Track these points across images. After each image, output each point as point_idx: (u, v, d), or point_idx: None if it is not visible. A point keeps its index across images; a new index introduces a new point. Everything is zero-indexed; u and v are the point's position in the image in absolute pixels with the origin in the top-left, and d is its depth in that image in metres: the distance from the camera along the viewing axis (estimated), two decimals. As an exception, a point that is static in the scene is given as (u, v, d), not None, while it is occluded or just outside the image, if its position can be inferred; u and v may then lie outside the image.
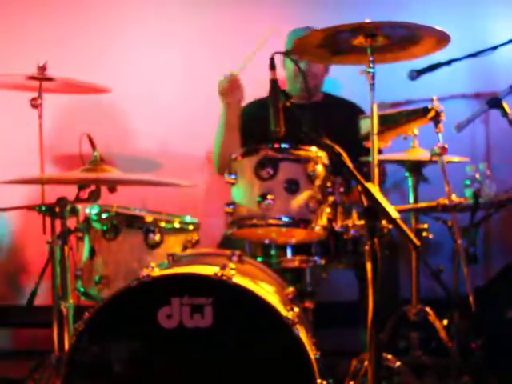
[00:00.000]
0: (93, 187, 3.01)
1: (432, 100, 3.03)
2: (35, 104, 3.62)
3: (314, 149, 2.55)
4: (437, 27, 2.69)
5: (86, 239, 3.02)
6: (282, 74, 3.72)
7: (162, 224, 2.93)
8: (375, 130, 2.74)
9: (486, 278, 4.18)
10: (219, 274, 2.26)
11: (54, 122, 3.71)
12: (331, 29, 2.72)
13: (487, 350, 3.01)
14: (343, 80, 4.20)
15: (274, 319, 2.23)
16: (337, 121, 3.54)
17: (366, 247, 2.22)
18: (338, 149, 2.31)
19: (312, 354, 2.27)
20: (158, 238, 2.90)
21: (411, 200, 3.38)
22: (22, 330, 4.46)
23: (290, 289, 2.61)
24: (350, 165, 2.28)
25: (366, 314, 2.20)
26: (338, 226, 2.54)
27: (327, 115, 3.47)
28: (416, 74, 3.58)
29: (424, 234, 3.31)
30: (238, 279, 2.29)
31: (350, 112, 3.84)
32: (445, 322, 3.26)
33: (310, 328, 2.67)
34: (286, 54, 2.74)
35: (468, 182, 3.73)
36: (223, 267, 2.35)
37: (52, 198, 3.04)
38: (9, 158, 4.14)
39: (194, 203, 4.12)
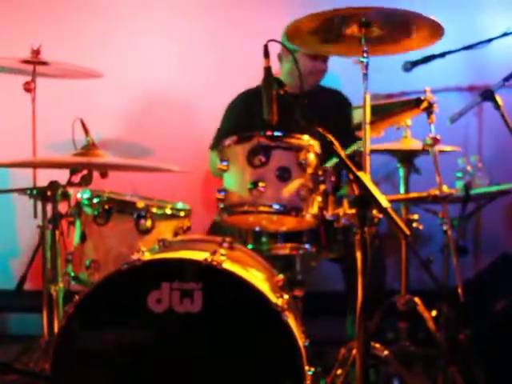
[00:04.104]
0: (85, 172, 3.01)
1: (425, 91, 3.04)
2: (28, 88, 3.62)
3: (306, 137, 2.56)
4: (430, 16, 2.70)
5: (77, 224, 3.02)
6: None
7: (154, 210, 2.93)
8: (368, 120, 2.74)
9: (476, 270, 4.20)
10: (209, 260, 2.27)
11: (47, 106, 3.69)
12: (324, 14, 2.72)
13: (475, 341, 3.03)
14: (339, 72, 4.20)
15: (263, 306, 2.23)
16: (326, 111, 3.54)
17: (357, 236, 2.22)
18: (331, 138, 2.31)
19: (301, 341, 2.27)
20: (149, 223, 2.90)
21: (402, 190, 3.39)
22: (12, 314, 4.46)
23: (280, 276, 2.61)
24: (342, 154, 2.29)
25: (354, 304, 2.21)
26: (328, 215, 2.54)
27: (317, 105, 3.48)
28: (410, 66, 3.59)
29: (414, 224, 3.32)
30: (228, 265, 2.30)
31: (340, 102, 3.88)
32: (433, 312, 3.27)
33: (299, 316, 2.67)
34: (289, 49, 2.75)
35: (459, 175, 3.77)
36: (213, 253, 2.35)
37: (44, 183, 3.04)
38: (1, 142, 4.13)
39: (186, 190, 4.13)
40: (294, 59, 2.69)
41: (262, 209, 2.50)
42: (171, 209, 2.99)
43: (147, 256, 2.38)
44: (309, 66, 3.80)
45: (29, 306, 3.80)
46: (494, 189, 3.70)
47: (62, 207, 3.05)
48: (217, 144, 3.93)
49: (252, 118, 3.54)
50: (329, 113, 3.43)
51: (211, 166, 3.99)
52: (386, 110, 3.04)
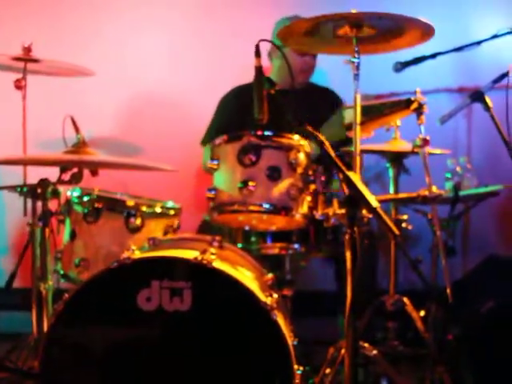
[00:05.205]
0: (75, 170, 3.00)
1: (415, 92, 3.05)
2: (19, 85, 3.61)
3: (296, 137, 2.57)
4: (422, 19, 2.72)
5: (67, 222, 3.02)
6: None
7: (144, 208, 2.93)
8: (358, 120, 2.75)
9: (464, 270, 4.21)
10: (199, 259, 2.27)
11: (38, 103, 3.69)
12: (317, 18, 2.74)
13: (463, 341, 3.04)
14: (328, 70, 4.21)
15: (252, 304, 2.24)
16: (318, 108, 3.55)
17: (346, 236, 2.23)
18: (321, 137, 2.32)
19: (289, 340, 2.28)
20: (138, 222, 2.90)
21: (392, 191, 3.40)
22: (1, 312, 4.44)
23: (270, 275, 2.62)
24: (332, 153, 2.29)
25: (344, 303, 2.22)
26: (318, 215, 2.55)
27: (309, 103, 3.50)
28: (400, 66, 3.60)
29: (403, 225, 3.32)
30: (218, 264, 2.31)
31: (332, 100, 3.89)
32: (422, 312, 3.28)
33: (288, 315, 2.69)
34: (278, 47, 2.77)
35: (449, 175, 3.78)
36: (203, 252, 2.36)
37: (34, 180, 3.04)
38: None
39: (176, 188, 4.13)
40: (283, 55, 2.69)
41: (251, 208, 2.51)
42: (161, 207, 2.99)
43: (137, 254, 2.38)
44: (299, 62, 3.81)
45: (18, 303, 3.78)
46: (482, 190, 3.72)
47: (52, 205, 3.03)
48: (208, 139, 3.93)
49: (244, 114, 3.56)
50: (320, 111, 3.44)
51: (203, 161, 3.98)
52: (376, 111, 3.05)
